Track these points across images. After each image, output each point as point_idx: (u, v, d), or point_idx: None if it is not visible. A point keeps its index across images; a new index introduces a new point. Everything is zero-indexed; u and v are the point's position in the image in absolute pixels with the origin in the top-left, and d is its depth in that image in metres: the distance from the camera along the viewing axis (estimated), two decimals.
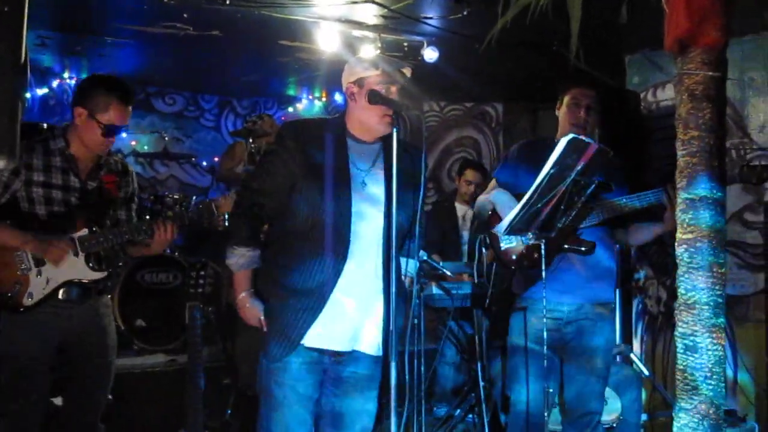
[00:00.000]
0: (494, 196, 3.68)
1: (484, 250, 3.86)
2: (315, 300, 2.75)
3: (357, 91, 2.85)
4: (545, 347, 3.35)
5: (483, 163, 7.06)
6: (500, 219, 3.47)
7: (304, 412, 2.83)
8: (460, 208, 6.07)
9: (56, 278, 3.19)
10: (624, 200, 3.49)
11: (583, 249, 3.48)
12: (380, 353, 2.85)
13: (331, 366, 2.87)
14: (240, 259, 2.90)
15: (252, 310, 2.90)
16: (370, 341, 2.85)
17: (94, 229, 3.25)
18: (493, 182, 3.80)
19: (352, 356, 2.87)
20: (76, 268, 3.22)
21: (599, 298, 3.60)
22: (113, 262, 3.40)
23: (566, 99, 3.61)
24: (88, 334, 3.31)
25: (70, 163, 3.26)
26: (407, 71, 2.88)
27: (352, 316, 2.81)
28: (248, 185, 2.99)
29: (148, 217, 5.60)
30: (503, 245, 3.65)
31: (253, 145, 6.33)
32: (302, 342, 2.77)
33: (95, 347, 3.33)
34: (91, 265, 3.26)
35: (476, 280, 4.73)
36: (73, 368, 3.31)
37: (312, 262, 2.75)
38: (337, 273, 2.76)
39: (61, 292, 3.20)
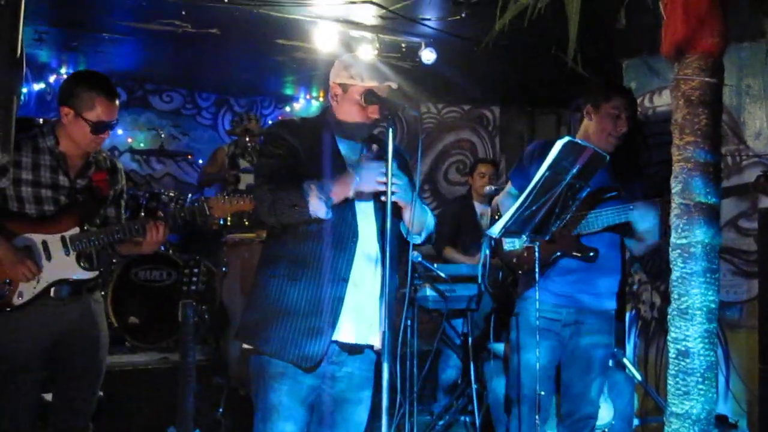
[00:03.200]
0: (501, 200, 3.70)
1: (488, 252, 3.87)
2: (336, 291, 2.74)
3: (340, 94, 2.87)
4: (537, 351, 3.35)
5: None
6: None
7: (300, 416, 2.82)
8: (479, 207, 6.06)
9: (47, 277, 3.15)
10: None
11: (589, 255, 3.50)
12: (378, 348, 2.83)
13: (328, 367, 2.84)
14: (312, 188, 2.67)
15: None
16: (374, 335, 2.84)
17: (85, 227, 3.22)
18: (509, 184, 3.79)
19: (351, 355, 2.85)
20: (67, 266, 3.18)
21: (599, 305, 3.60)
22: (104, 260, 3.37)
23: (606, 107, 3.54)
24: (79, 330, 3.26)
25: (59, 162, 3.21)
26: (393, 86, 2.89)
27: (360, 309, 2.81)
28: (259, 175, 2.90)
29: (142, 214, 5.62)
30: (506, 247, 3.66)
31: (249, 144, 6.42)
32: (334, 337, 2.75)
33: (87, 344, 3.29)
34: (82, 264, 3.22)
35: (479, 282, 4.75)
36: (63, 365, 3.26)
37: (323, 258, 2.75)
38: (349, 266, 2.76)
39: (52, 290, 3.16)
